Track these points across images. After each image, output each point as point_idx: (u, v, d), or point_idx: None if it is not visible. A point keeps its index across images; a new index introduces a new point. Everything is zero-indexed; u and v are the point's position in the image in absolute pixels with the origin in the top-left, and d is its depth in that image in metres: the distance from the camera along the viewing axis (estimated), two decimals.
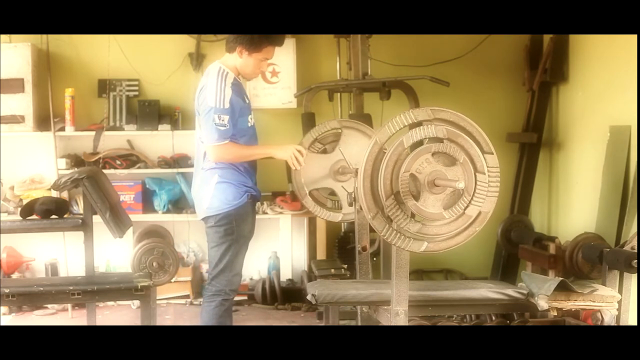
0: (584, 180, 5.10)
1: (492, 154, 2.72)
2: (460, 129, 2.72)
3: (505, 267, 5.55)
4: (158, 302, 4.46)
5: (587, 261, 4.14)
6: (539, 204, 5.76)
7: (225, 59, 3.73)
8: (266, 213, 5.72)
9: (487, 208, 2.71)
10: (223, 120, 3.55)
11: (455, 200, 2.71)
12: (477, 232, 2.73)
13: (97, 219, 3.87)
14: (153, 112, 5.72)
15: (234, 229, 3.63)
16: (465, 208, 2.69)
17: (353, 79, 5.39)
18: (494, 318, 4.25)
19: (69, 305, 5.28)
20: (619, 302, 3.19)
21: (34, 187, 5.63)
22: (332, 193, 3.85)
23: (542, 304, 2.95)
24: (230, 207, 3.60)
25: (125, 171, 5.68)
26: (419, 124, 2.73)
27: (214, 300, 3.65)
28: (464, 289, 3.12)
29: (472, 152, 2.69)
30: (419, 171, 2.69)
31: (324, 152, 3.84)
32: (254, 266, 5.90)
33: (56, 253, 5.61)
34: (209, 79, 3.63)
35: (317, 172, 3.80)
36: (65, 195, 5.53)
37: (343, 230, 5.64)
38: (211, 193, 3.64)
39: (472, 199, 2.69)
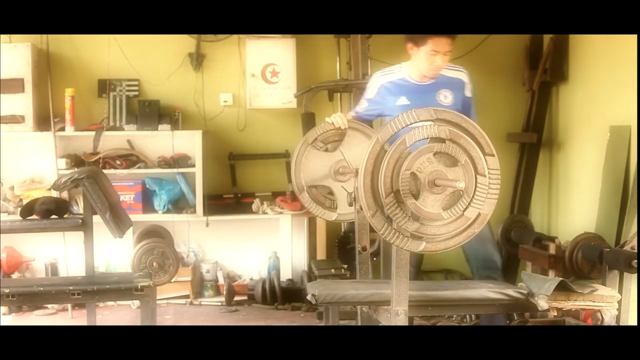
0: (584, 180, 5.10)
1: (493, 155, 2.72)
2: (462, 130, 2.71)
3: (505, 267, 5.54)
4: (158, 302, 4.45)
5: (587, 261, 4.14)
6: (539, 204, 5.76)
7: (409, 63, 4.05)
8: (266, 213, 5.73)
9: (486, 210, 2.70)
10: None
11: (455, 201, 2.71)
12: (476, 233, 2.72)
13: (97, 219, 3.86)
14: (153, 112, 5.71)
15: None
16: (465, 209, 2.68)
17: (353, 79, 5.38)
18: None
19: (69, 305, 5.28)
20: (619, 302, 3.17)
21: (34, 187, 5.62)
22: (331, 193, 3.85)
23: (542, 304, 2.94)
24: None
25: (125, 171, 5.68)
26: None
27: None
28: (464, 289, 3.12)
29: (474, 154, 2.68)
30: (420, 170, 2.68)
31: (326, 150, 3.84)
32: (254, 266, 5.91)
33: (56, 253, 5.61)
34: None
35: (317, 169, 3.80)
36: (65, 195, 5.53)
37: (343, 230, 5.64)
38: None
39: (471, 200, 2.68)
